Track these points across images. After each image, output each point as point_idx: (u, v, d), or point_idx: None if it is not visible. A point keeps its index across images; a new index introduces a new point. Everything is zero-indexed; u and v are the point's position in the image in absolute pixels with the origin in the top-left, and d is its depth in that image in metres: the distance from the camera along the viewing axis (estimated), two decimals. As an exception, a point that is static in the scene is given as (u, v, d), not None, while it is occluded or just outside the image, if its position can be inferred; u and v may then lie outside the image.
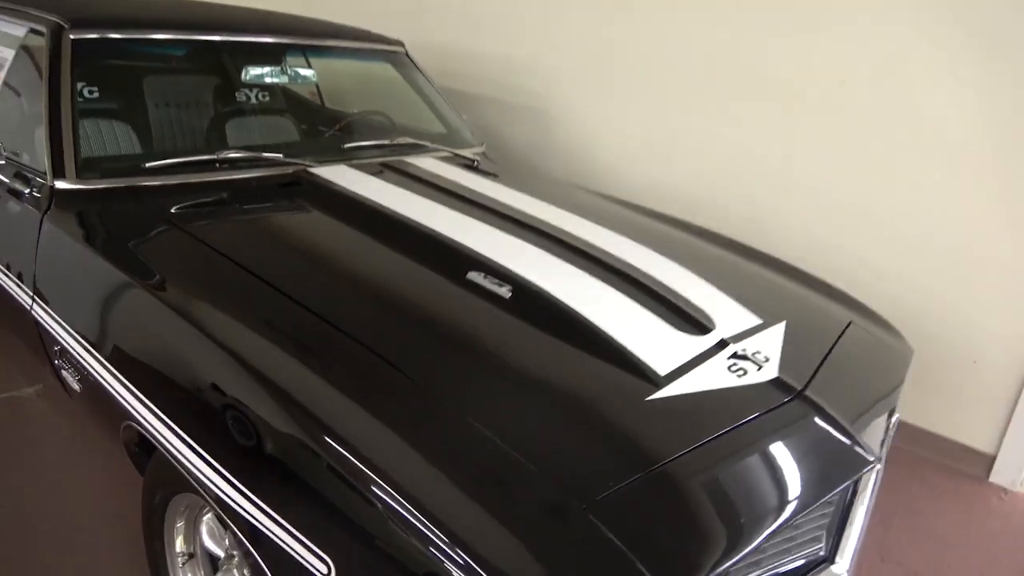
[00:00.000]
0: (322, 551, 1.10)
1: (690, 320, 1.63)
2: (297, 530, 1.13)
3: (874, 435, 1.79)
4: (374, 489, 1.06)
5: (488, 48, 3.81)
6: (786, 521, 1.23)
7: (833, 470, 1.39)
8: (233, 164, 2.07)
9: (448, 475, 1.08)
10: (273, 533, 1.16)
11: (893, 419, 2.04)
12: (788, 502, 1.26)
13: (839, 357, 1.73)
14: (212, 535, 1.52)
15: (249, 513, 1.19)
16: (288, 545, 1.14)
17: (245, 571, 1.46)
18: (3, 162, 1.88)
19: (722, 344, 1.58)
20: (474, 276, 1.65)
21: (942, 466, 2.72)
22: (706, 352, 1.54)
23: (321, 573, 1.09)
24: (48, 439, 2.34)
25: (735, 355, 1.56)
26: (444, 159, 2.52)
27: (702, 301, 1.73)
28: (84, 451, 2.30)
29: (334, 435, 1.14)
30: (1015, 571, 2.22)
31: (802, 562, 1.43)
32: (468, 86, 3.89)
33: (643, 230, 2.17)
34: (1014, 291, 2.52)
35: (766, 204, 2.99)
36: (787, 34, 2.81)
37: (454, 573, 0.97)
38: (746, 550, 1.14)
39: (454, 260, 1.71)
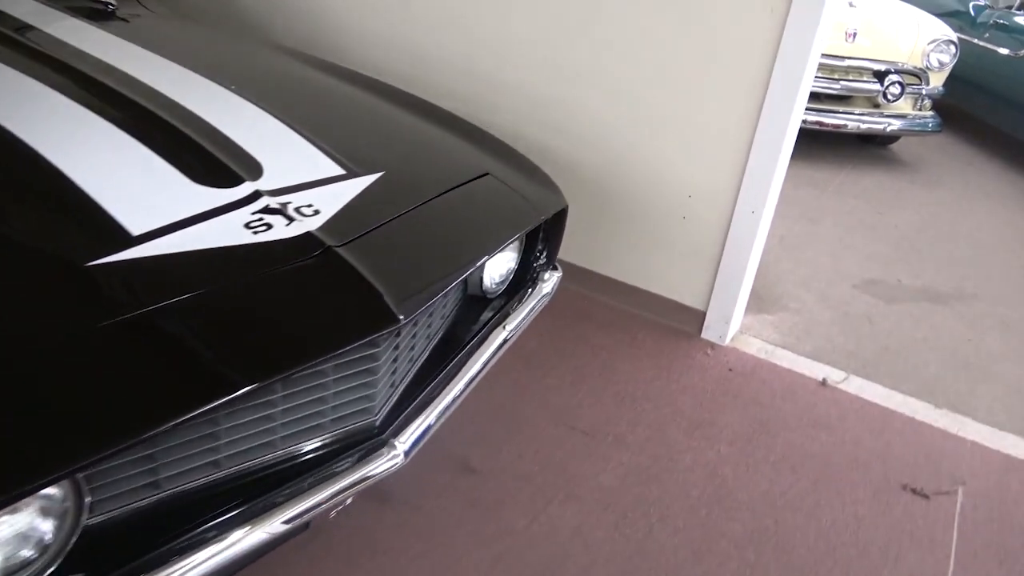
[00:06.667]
0: None
1: (223, 171, 1.40)
2: None
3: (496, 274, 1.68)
4: None
5: None
6: (280, 376, 1.09)
7: (345, 327, 1.21)
8: None
9: None
10: None
11: (553, 275, 1.93)
12: (277, 360, 1.10)
13: (435, 208, 1.56)
14: None
15: None
16: None
17: None
18: None
19: (255, 196, 1.37)
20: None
21: (658, 325, 2.68)
22: (224, 207, 1.32)
23: None
24: None
25: (265, 209, 1.35)
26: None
27: (261, 151, 1.50)
28: None
29: None
30: (694, 422, 2.21)
31: (343, 429, 1.31)
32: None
33: (261, 80, 1.91)
34: (715, 148, 2.41)
35: (485, 62, 2.75)
36: None
37: None
38: (191, 413, 0.98)
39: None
